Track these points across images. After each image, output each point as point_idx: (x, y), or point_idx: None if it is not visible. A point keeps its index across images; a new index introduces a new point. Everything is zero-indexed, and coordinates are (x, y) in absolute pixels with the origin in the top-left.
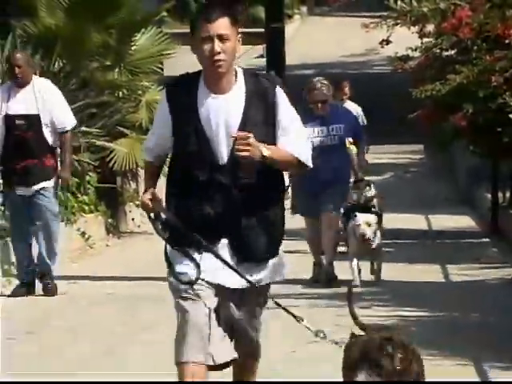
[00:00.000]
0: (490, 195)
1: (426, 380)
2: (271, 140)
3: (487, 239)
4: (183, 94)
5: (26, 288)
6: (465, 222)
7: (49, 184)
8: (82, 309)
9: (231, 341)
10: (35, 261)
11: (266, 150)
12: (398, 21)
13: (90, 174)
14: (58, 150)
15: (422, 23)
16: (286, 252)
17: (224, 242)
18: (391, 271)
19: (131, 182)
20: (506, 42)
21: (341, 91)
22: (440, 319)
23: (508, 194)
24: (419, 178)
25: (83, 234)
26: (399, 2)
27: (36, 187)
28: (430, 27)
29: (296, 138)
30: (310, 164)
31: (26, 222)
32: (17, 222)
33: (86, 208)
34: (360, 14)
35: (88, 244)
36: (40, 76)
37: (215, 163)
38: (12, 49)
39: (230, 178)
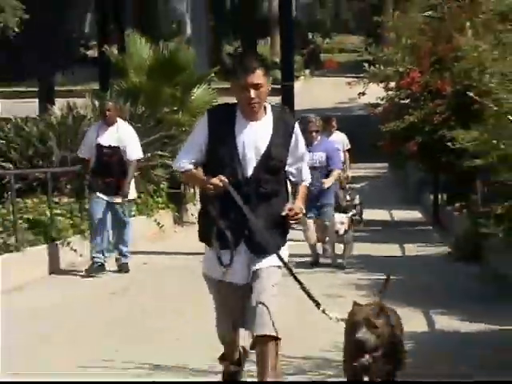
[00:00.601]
0: (432, 197)
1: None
2: (284, 159)
3: (430, 227)
4: (222, 119)
5: (100, 267)
6: (415, 215)
7: (124, 199)
8: (159, 273)
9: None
10: (109, 248)
11: (302, 207)
12: (371, 79)
13: (163, 183)
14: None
15: (387, 81)
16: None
17: (244, 239)
18: (365, 249)
19: (190, 188)
20: (444, 93)
21: (330, 124)
22: (399, 281)
23: (445, 196)
24: (384, 185)
25: (158, 223)
26: (372, 67)
27: (114, 199)
28: (392, 84)
29: (305, 165)
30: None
31: (103, 219)
32: (97, 218)
33: (160, 206)
34: (346, 75)
35: (161, 230)
36: (129, 118)
37: (243, 176)
38: (109, 99)
39: (252, 188)
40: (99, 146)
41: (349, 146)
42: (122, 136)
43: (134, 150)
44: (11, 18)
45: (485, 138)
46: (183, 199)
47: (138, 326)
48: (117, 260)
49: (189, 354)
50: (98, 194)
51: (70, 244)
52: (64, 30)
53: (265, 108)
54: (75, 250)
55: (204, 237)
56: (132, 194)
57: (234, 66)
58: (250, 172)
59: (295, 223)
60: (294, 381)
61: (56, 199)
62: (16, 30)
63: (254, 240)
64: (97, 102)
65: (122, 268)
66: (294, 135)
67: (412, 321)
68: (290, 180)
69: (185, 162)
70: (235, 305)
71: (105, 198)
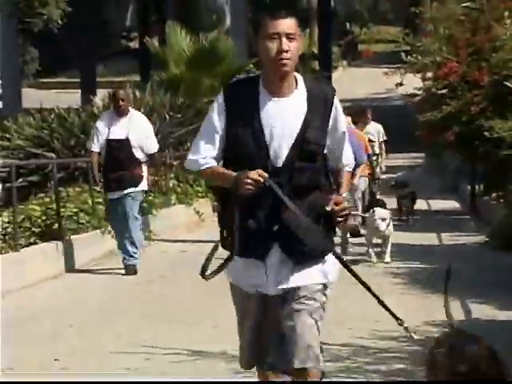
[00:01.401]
0: (469, 187)
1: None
2: (322, 142)
3: (467, 216)
4: (243, 97)
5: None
6: (452, 204)
7: (135, 189)
8: (197, 261)
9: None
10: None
11: (347, 197)
12: (408, 69)
13: None
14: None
15: (424, 71)
16: None
17: (277, 244)
18: (402, 237)
19: None
20: (481, 84)
21: (365, 115)
22: (436, 268)
23: (482, 187)
24: (421, 174)
25: (198, 212)
26: (409, 57)
27: (126, 191)
28: (430, 74)
29: (347, 147)
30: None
31: (118, 217)
32: (113, 217)
33: (199, 195)
34: (382, 66)
35: (201, 219)
36: (169, 108)
37: (273, 166)
38: (151, 90)
39: (285, 180)
40: (111, 140)
41: (385, 138)
42: (138, 128)
43: (153, 143)
44: (55, 10)
45: None
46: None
47: (175, 312)
48: (123, 260)
49: (226, 341)
50: (109, 196)
51: (111, 232)
52: (106, 21)
53: (296, 80)
54: None
55: (227, 244)
56: (144, 185)
57: (260, 19)
58: (281, 161)
59: (343, 221)
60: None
61: (98, 188)
62: (59, 22)
63: (293, 243)
64: (138, 93)
65: (128, 270)
66: (333, 110)
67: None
68: (328, 167)
69: (203, 158)
70: (265, 322)
71: (116, 196)
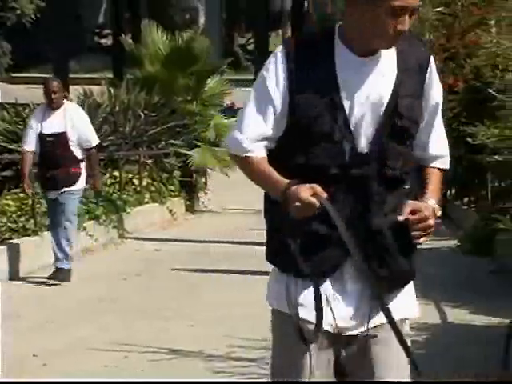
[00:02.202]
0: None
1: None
2: (416, 117)
3: (438, 220)
4: (312, 55)
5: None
6: None
7: (73, 188)
8: (171, 260)
9: None
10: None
11: (437, 208)
12: None
13: (176, 171)
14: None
15: None
16: None
17: (351, 259)
18: None
19: (201, 177)
20: (455, 89)
21: None
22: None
23: (454, 191)
24: None
25: (171, 211)
26: None
27: (62, 190)
28: None
29: (441, 128)
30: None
31: (55, 218)
32: (50, 217)
33: (173, 193)
34: None
35: (173, 218)
36: (144, 106)
37: (354, 150)
38: (126, 88)
39: (372, 170)
40: (45, 135)
41: None
42: (74, 121)
43: (92, 137)
44: (28, 5)
45: (506, 135)
46: (194, 188)
47: (151, 310)
48: (56, 261)
49: (204, 340)
50: (48, 195)
51: (86, 229)
52: (78, 18)
53: None
54: (91, 236)
55: (275, 254)
56: (82, 183)
57: None
58: (365, 141)
59: (424, 236)
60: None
61: (29, 191)
62: (32, 17)
63: (377, 260)
64: (113, 90)
65: (55, 276)
66: (427, 75)
67: (423, 313)
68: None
69: (251, 140)
70: (321, 370)
71: (53, 195)
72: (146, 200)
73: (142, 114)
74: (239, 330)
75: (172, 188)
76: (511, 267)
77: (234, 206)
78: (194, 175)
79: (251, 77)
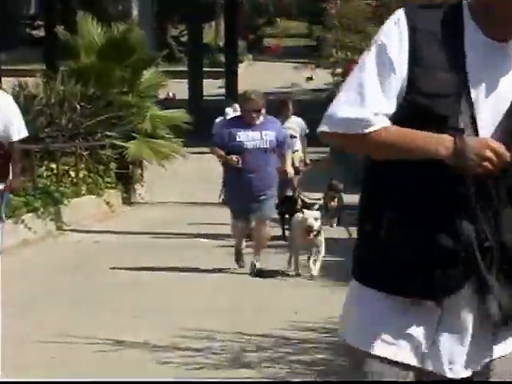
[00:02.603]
0: None
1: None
2: None
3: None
4: (437, 27)
5: None
6: (356, 199)
7: None
8: (110, 251)
9: None
10: None
11: None
12: (320, 64)
13: (112, 163)
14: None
15: (334, 67)
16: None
17: (475, 278)
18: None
19: (138, 169)
20: None
21: (286, 107)
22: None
23: None
24: (326, 169)
25: (108, 203)
26: (339, 53)
27: None
28: (339, 70)
29: None
30: None
31: None
32: None
33: (109, 185)
34: (288, 60)
35: (111, 210)
36: (80, 98)
37: None
38: (61, 80)
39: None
40: None
41: (307, 131)
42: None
43: (20, 128)
44: None
45: None
46: (131, 179)
47: (93, 303)
48: None
49: (148, 331)
50: None
51: (24, 222)
52: (9, 9)
53: None
54: (29, 228)
55: (373, 271)
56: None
57: None
58: (494, 138)
59: None
60: (298, 381)
61: None
62: None
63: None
64: (48, 82)
65: None
66: None
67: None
68: None
69: (374, 113)
70: None
71: None
72: (82, 192)
73: (77, 105)
74: (183, 321)
75: (108, 180)
76: None
77: (171, 197)
78: (131, 167)
79: (184, 68)
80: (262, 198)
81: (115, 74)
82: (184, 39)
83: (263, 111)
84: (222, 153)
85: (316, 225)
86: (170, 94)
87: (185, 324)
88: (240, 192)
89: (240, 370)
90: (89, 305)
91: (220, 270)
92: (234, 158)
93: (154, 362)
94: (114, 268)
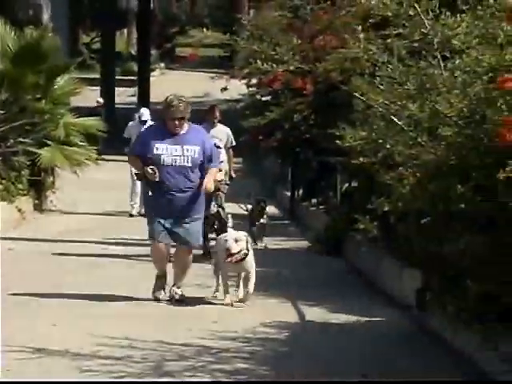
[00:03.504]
0: (288, 193)
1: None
2: None
3: (287, 221)
4: None
5: None
6: (271, 210)
7: None
8: (24, 258)
9: None
10: None
11: None
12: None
13: (25, 170)
14: None
15: (249, 78)
16: None
17: None
18: None
19: (50, 176)
20: (304, 92)
21: (212, 114)
22: (263, 272)
23: (301, 192)
24: (239, 179)
25: (19, 210)
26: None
27: None
28: (254, 80)
29: None
30: None
31: None
32: None
33: (21, 192)
34: (200, 70)
35: (22, 217)
36: None
37: None
38: None
39: None
40: None
41: (233, 143)
42: None
43: None
44: None
45: (373, 138)
46: (43, 186)
47: (9, 310)
48: None
49: (68, 339)
50: None
51: None
52: None
53: None
54: None
55: None
56: None
57: None
58: None
59: None
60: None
61: None
62: None
63: None
64: None
65: None
66: None
67: (282, 312)
68: None
69: None
70: None
71: None
72: None
73: None
74: (101, 329)
75: (20, 186)
76: (361, 267)
77: (83, 206)
78: (43, 174)
79: (97, 76)
80: (186, 222)
81: (29, 80)
82: (95, 46)
83: (186, 120)
84: (140, 164)
85: (237, 248)
86: (101, 101)
87: (104, 332)
88: (160, 211)
89: (162, 378)
90: (4, 312)
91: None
92: (149, 169)
93: (75, 370)
94: (28, 276)
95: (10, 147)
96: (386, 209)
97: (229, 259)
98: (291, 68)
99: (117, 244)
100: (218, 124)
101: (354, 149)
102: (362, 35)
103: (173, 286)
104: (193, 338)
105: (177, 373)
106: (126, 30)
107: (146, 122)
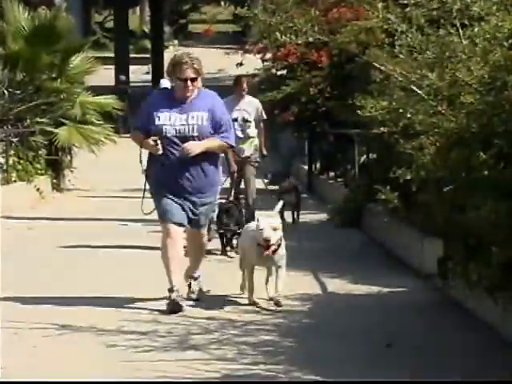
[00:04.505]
0: (305, 166)
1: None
2: None
3: (305, 195)
4: None
5: None
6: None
7: None
8: (44, 236)
9: None
10: None
11: None
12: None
13: (42, 149)
14: None
15: (264, 52)
16: None
17: None
18: None
19: (67, 156)
20: (319, 65)
21: (239, 87)
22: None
23: (318, 166)
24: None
25: (38, 189)
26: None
27: None
28: (269, 55)
29: None
30: None
31: None
32: None
33: (39, 172)
34: (214, 46)
35: (41, 196)
36: (8, 85)
37: None
38: None
39: None
40: None
41: (264, 116)
42: None
43: None
44: None
45: (394, 107)
46: (60, 166)
47: (32, 288)
48: None
49: (94, 315)
50: None
51: None
52: None
53: None
54: None
55: None
56: None
57: None
58: None
59: None
60: (300, 381)
61: None
62: None
63: None
64: None
65: None
66: None
67: (304, 284)
68: None
69: None
70: None
71: None
72: (13, 179)
73: (5, 91)
74: (127, 304)
75: (38, 166)
76: (381, 238)
77: (101, 184)
78: (60, 153)
79: (111, 54)
80: (194, 200)
81: (43, 60)
82: (109, 25)
83: (199, 82)
84: (140, 137)
85: (275, 236)
86: (123, 78)
87: (129, 307)
88: (168, 188)
89: (188, 351)
90: (27, 290)
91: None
92: (150, 141)
93: (101, 346)
94: (49, 254)
95: (27, 127)
96: (409, 177)
97: (267, 252)
98: (310, 39)
99: (136, 221)
100: (247, 96)
101: (374, 119)
102: (380, 5)
103: (189, 279)
104: (217, 311)
105: (202, 346)
106: (138, 8)
107: None
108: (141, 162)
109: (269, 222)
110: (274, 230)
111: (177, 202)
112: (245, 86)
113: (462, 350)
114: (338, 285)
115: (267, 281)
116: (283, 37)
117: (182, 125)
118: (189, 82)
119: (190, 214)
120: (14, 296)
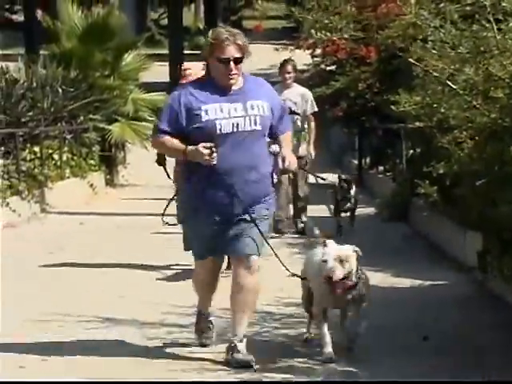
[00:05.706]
0: (353, 160)
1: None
2: None
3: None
4: None
5: None
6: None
7: None
8: (95, 232)
9: None
10: None
11: None
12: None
13: (95, 146)
14: None
15: (313, 48)
16: None
17: None
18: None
19: (121, 152)
20: (368, 61)
21: (283, 72)
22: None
23: (368, 160)
24: None
25: (91, 185)
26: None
27: None
28: (319, 50)
29: None
30: None
31: None
32: None
33: (93, 168)
34: (267, 42)
35: (94, 192)
36: (62, 82)
37: None
38: (43, 63)
39: None
40: None
41: (315, 108)
42: None
43: None
44: None
45: (427, 102)
46: (114, 162)
47: (81, 283)
48: None
49: (136, 309)
50: None
51: (8, 205)
52: None
53: None
54: (14, 211)
55: None
56: None
57: None
58: None
59: None
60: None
61: None
62: None
63: None
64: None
65: None
66: None
67: None
68: None
69: None
70: None
71: None
72: (66, 175)
73: (59, 89)
74: (169, 298)
75: (92, 162)
76: (424, 231)
77: (153, 179)
78: (113, 149)
79: (165, 51)
80: (246, 222)
81: (96, 58)
82: (163, 22)
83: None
84: (178, 145)
85: (342, 271)
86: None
87: (170, 301)
88: (210, 210)
89: (227, 344)
90: (75, 285)
91: None
92: (202, 148)
93: (142, 338)
94: (99, 249)
95: (81, 124)
96: (441, 171)
97: (337, 291)
98: (345, 36)
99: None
100: (294, 84)
101: (408, 114)
102: (412, 0)
103: (232, 337)
104: (258, 305)
105: (246, 337)
106: (193, 5)
107: None
108: (169, 176)
109: (335, 251)
110: (341, 261)
111: (219, 235)
112: (289, 69)
113: (490, 348)
114: (379, 278)
115: (342, 326)
116: (318, 34)
117: (241, 116)
118: (232, 64)
119: (238, 240)
120: (57, 291)
